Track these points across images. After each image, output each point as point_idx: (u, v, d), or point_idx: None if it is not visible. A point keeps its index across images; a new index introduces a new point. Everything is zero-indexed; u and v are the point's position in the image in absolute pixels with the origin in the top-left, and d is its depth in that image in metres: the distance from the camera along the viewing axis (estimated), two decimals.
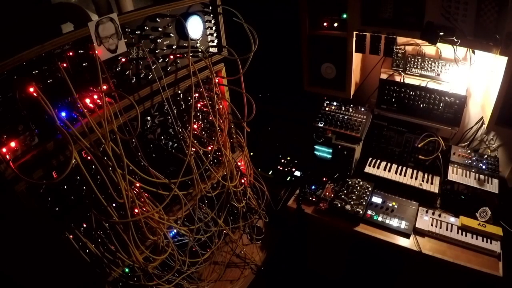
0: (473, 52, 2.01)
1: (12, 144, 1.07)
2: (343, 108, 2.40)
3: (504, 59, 1.66)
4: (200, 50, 1.61)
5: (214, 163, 1.92)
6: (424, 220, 2.00)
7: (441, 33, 1.71)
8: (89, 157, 1.25)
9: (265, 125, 2.94)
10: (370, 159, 2.35)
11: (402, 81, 2.26)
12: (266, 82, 2.83)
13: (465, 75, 2.10)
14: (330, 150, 2.33)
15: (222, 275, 2.10)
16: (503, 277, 1.74)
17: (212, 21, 1.65)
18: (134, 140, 1.42)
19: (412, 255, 1.92)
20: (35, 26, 1.59)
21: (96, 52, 1.20)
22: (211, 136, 1.81)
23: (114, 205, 1.36)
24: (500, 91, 1.74)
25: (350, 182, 2.23)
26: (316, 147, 2.37)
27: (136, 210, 1.41)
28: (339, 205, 2.09)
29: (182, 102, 1.66)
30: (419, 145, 2.23)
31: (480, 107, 2.18)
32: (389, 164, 2.30)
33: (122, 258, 1.42)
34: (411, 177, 2.19)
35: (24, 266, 1.38)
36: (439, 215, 2.02)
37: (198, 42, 1.62)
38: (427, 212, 2.04)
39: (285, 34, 2.56)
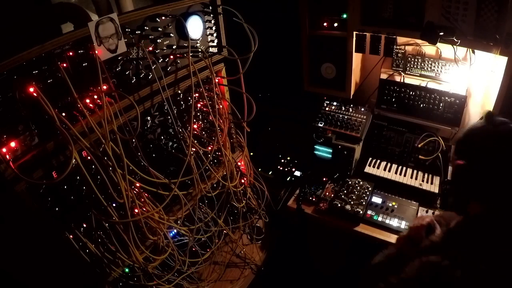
0: (473, 52, 2.01)
1: (12, 144, 1.07)
2: (343, 108, 2.39)
3: (504, 59, 1.66)
4: (200, 50, 1.61)
5: (214, 163, 1.92)
6: None
7: (441, 33, 1.71)
8: (89, 157, 1.25)
9: (265, 125, 2.94)
10: (370, 159, 2.35)
11: (402, 81, 2.26)
12: (266, 82, 2.83)
13: (465, 75, 2.10)
14: (330, 150, 2.33)
15: (222, 275, 2.10)
16: None
17: (212, 21, 1.65)
18: (134, 140, 1.42)
19: None
20: (35, 26, 1.59)
21: (96, 52, 1.20)
22: (211, 136, 1.81)
23: (114, 205, 1.36)
24: (500, 91, 1.74)
25: (350, 182, 2.23)
26: (316, 147, 2.37)
27: (136, 210, 1.41)
28: (339, 205, 2.09)
29: (182, 102, 1.66)
30: (419, 145, 2.23)
31: (480, 107, 2.18)
32: (389, 164, 2.30)
33: (122, 258, 1.42)
34: (411, 177, 2.19)
35: (24, 266, 1.38)
36: None
37: (198, 42, 1.62)
38: (427, 212, 2.04)
39: (285, 34, 2.56)
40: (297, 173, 2.57)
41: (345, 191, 2.16)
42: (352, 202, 2.09)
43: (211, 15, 1.64)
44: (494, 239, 1.02)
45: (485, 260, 0.99)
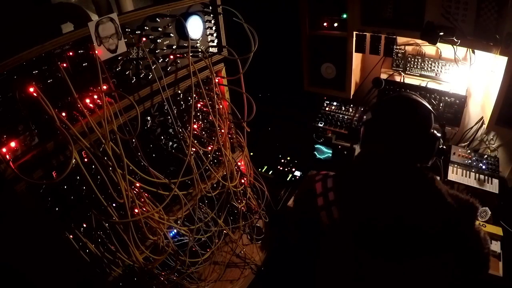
0: (473, 52, 2.01)
1: (12, 144, 1.07)
2: (343, 108, 2.40)
3: (504, 59, 1.66)
4: (200, 50, 1.61)
5: (214, 163, 1.92)
6: None
7: (441, 33, 1.71)
8: (89, 157, 1.25)
9: (265, 125, 2.94)
10: None
11: (402, 81, 2.26)
12: (266, 82, 2.83)
13: (465, 75, 2.10)
14: (330, 150, 2.33)
15: (222, 275, 2.10)
16: (503, 277, 1.73)
17: (212, 21, 1.65)
18: (134, 140, 1.42)
19: None
20: (35, 26, 1.59)
21: (96, 52, 1.20)
22: (211, 136, 1.81)
23: (114, 205, 1.36)
24: (500, 91, 1.74)
25: None
26: (316, 147, 2.37)
27: (136, 210, 1.41)
28: None
29: (182, 102, 1.66)
30: None
31: (480, 107, 2.18)
32: None
33: (122, 258, 1.42)
34: None
35: (24, 266, 1.38)
36: None
37: (198, 42, 1.62)
38: None
39: (285, 34, 2.56)
40: (297, 173, 2.57)
41: None
42: None
43: (211, 15, 1.64)
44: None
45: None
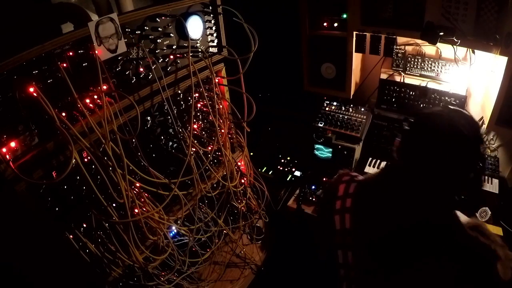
0: (473, 52, 2.01)
1: (12, 144, 1.07)
2: (343, 108, 2.40)
3: (504, 59, 1.66)
4: (200, 50, 1.61)
5: (214, 163, 1.92)
6: None
7: (441, 33, 1.71)
8: (89, 157, 1.25)
9: (265, 125, 2.94)
10: (370, 159, 2.35)
11: (402, 81, 2.26)
12: (266, 82, 2.83)
13: (465, 75, 2.10)
14: (330, 150, 2.33)
15: (222, 275, 2.10)
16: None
17: (212, 21, 1.65)
18: (134, 140, 1.42)
19: None
20: (35, 26, 1.59)
21: (96, 52, 1.20)
22: (211, 136, 1.81)
23: (114, 205, 1.36)
24: (500, 91, 1.74)
25: None
26: (316, 147, 2.37)
27: (136, 210, 1.41)
28: None
29: (182, 102, 1.66)
30: None
31: (480, 107, 2.18)
32: None
33: (122, 258, 1.42)
34: None
35: (24, 266, 1.38)
36: None
37: (198, 42, 1.62)
38: None
39: (285, 34, 2.56)
40: (297, 173, 2.57)
41: None
42: None
43: (211, 15, 1.64)
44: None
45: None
